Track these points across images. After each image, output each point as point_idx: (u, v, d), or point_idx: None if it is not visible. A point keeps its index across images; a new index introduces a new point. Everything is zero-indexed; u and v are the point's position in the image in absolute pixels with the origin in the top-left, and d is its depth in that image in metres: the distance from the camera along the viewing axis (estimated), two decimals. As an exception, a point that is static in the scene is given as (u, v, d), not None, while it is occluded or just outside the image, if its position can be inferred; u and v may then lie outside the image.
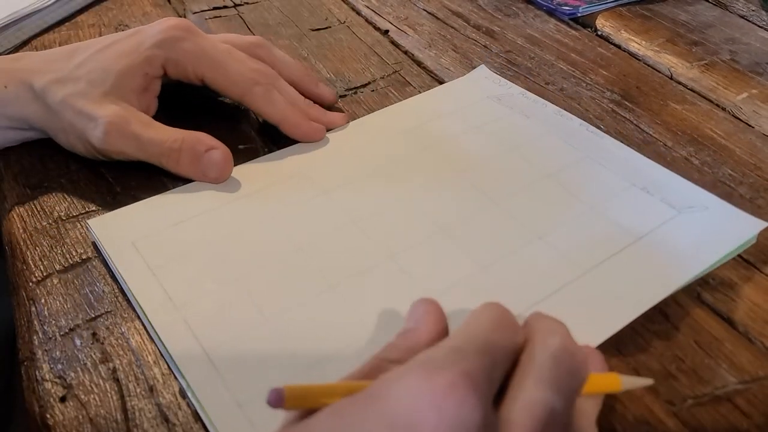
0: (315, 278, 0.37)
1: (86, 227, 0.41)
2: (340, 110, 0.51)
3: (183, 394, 0.32)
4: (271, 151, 0.47)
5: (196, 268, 0.38)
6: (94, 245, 0.40)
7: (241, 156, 0.46)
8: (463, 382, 0.23)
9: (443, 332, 0.29)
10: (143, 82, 0.45)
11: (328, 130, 0.48)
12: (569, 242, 0.39)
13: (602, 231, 0.39)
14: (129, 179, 0.44)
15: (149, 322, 0.35)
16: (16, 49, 0.59)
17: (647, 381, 0.31)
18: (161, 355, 0.34)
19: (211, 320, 0.35)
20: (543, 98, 0.52)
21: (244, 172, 0.44)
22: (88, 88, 0.43)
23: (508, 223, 0.40)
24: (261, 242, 0.39)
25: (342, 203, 0.42)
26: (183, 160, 0.43)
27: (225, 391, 0.31)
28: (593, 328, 0.34)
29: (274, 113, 0.46)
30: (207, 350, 0.33)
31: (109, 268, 0.38)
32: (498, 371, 0.25)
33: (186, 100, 0.51)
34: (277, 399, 0.24)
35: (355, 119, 0.49)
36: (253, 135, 0.49)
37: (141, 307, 0.36)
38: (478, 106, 0.50)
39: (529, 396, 0.24)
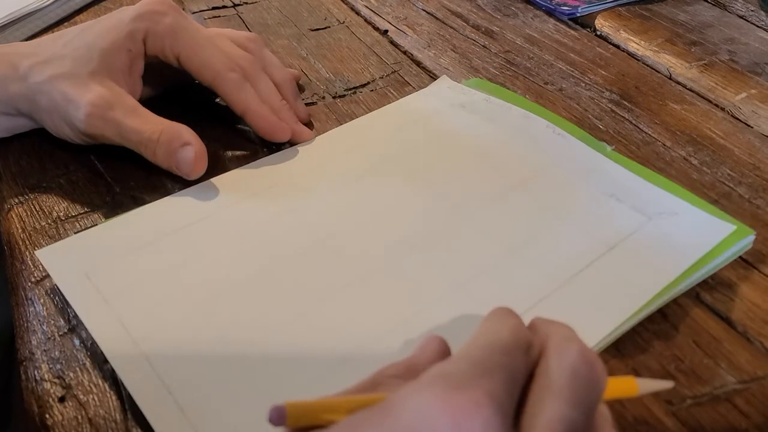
0: (281, 304, 0.35)
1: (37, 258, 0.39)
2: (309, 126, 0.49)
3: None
4: (272, 153, 0.47)
5: (155, 297, 0.36)
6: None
7: (240, 159, 0.46)
8: (488, 401, 0.21)
9: (446, 354, 0.28)
10: (127, 60, 0.44)
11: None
12: (543, 255, 0.38)
13: (575, 242, 0.39)
14: (128, 179, 0.44)
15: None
16: (15, 48, 0.59)
17: (665, 384, 0.29)
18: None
19: (173, 355, 0.33)
20: (542, 98, 0.52)
21: (217, 184, 0.43)
22: (73, 68, 0.43)
23: (479, 239, 0.39)
24: (224, 266, 0.37)
25: (308, 222, 0.40)
26: (159, 152, 0.42)
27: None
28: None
29: (240, 101, 0.45)
30: (171, 391, 0.31)
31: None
32: (518, 387, 0.24)
33: (186, 102, 0.51)
34: (279, 417, 0.22)
35: (341, 124, 0.49)
36: (252, 137, 0.49)
37: (99, 345, 0.34)
38: (443, 115, 0.49)
39: (550, 414, 0.23)
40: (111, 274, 0.37)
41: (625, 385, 0.28)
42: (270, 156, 0.46)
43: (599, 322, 0.34)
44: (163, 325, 0.34)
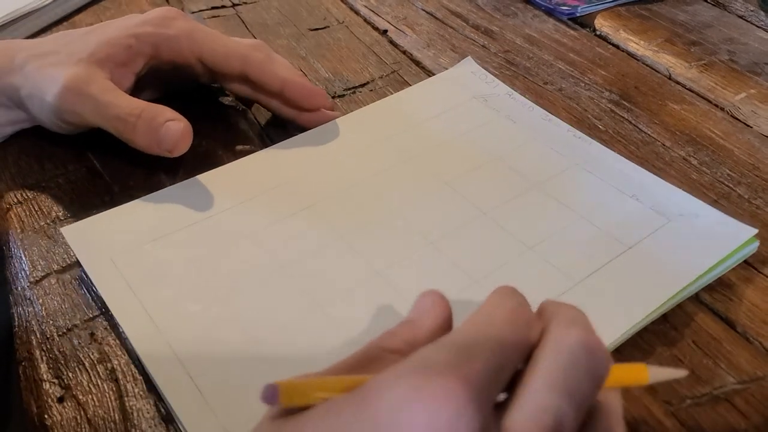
0: (301, 298, 0.36)
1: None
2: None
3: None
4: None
5: (179, 288, 0.36)
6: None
7: (239, 158, 0.46)
8: (462, 388, 0.21)
9: (446, 326, 0.28)
10: (125, 56, 0.44)
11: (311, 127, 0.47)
12: (561, 252, 0.38)
13: (593, 240, 0.39)
14: (127, 179, 0.44)
15: (132, 347, 0.34)
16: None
17: (679, 372, 0.27)
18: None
19: (195, 344, 0.34)
20: (542, 98, 0.52)
21: (226, 176, 0.43)
22: (64, 57, 0.43)
23: (498, 234, 0.39)
24: (244, 260, 0.38)
25: (326, 217, 0.40)
26: (140, 128, 0.41)
27: (213, 417, 0.30)
28: None
29: (275, 75, 0.45)
30: (193, 377, 0.32)
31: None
32: (507, 371, 0.23)
33: (184, 102, 0.51)
34: (272, 395, 0.23)
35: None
36: (251, 136, 0.49)
37: (124, 330, 0.35)
38: (464, 109, 0.49)
39: (538, 403, 0.22)
40: (135, 260, 0.38)
41: (634, 373, 0.26)
42: (281, 148, 0.46)
43: (614, 321, 0.34)
44: (186, 315, 0.35)
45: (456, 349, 0.22)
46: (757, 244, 0.38)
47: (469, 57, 0.53)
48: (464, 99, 0.50)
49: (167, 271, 0.37)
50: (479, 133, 0.47)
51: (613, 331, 0.34)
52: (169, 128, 0.41)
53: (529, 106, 0.49)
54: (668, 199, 0.41)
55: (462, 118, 0.48)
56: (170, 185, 0.43)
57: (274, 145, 0.46)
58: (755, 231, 0.38)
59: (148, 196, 0.42)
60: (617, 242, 0.38)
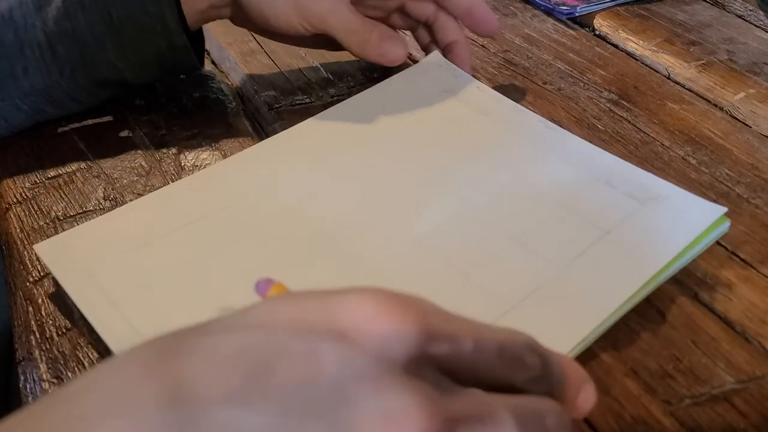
0: None
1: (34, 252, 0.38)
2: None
3: None
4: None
5: (163, 297, 0.35)
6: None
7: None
8: (416, 316, 0.21)
9: None
10: None
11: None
12: (541, 240, 0.38)
13: (572, 227, 0.39)
14: (126, 178, 0.44)
15: None
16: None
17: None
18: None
19: None
20: (541, 98, 0.52)
21: (211, 178, 0.43)
22: None
23: (477, 227, 0.39)
24: (230, 266, 0.37)
25: (309, 216, 0.40)
26: (372, 41, 0.48)
27: None
28: (572, 325, 0.34)
29: None
30: None
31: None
32: (472, 362, 0.22)
33: (180, 98, 0.51)
34: (264, 288, 0.24)
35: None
36: (250, 133, 0.49)
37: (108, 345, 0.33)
38: (433, 103, 0.49)
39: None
40: (115, 272, 0.36)
41: None
42: (262, 144, 0.45)
43: (596, 307, 0.35)
44: (174, 324, 0.34)
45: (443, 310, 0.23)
46: (728, 223, 0.39)
47: (436, 50, 0.53)
48: (432, 93, 0.49)
49: (150, 280, 0.36)
50: (451, 128, 0.47)
51: (597, 315, 0.34)
52: (394, 44, 0.49)
53: (499, 97, 0.49)
54: (639, 183, 0.41)
55: (432, 112, 0.48)
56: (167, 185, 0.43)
57: (265, 140, 0.46)
58: (725, 210, 0.39)
59: (126, 205, 0.41)
60: (595, 228, 0.39)
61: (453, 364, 0.22)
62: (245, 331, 0.21)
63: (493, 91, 0.50)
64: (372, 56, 0.49)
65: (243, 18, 0.49)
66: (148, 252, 0.38)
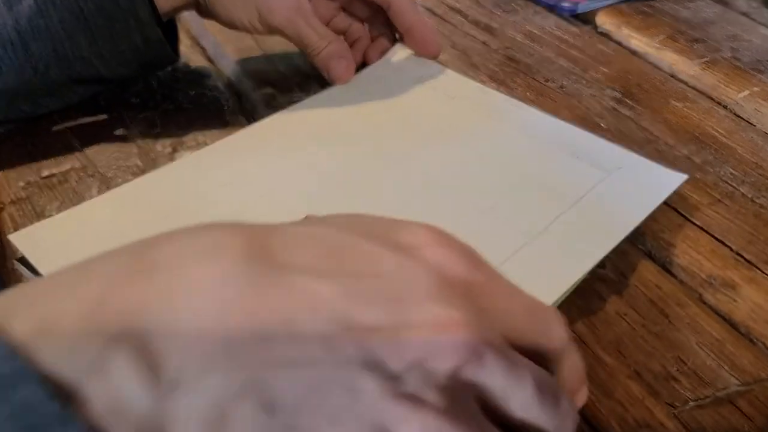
0: None
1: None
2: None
3: None
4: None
5: None
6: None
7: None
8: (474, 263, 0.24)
9: None
10: None
11: None
12: (511, 212, 0.40)
13: (541, 198, 0.40)
14: (120, 178, 0.44)
15: None
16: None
17: None
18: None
19: None
20: (543, 96, 0.52)
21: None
22: None
23: (450, 204, 0.40)
24: None
25: (276, 209, 0.39)
26: (323, 54, 0.49)
27: None
28: (548, 286, 0.35)
29: (411, 12, 0.51)
30: None
31: None
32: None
33: (176, 96, 0.50)
34: None
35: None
36: (244, 123, 0.48)
37: None
38: (401, 91, 0.50)
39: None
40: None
41: None
42: (230, 139, 0.45)
43: (572, 266, 0.36)
44: None
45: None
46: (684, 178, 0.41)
47: (399, 44, 0.53)
48: (400, 81, 0.50)
49: None
50: (420, 113, 0.48)
51: (573, 273, 0.36)
52: (340, 63, 0.49)
53: (464, 80, 0.50)
54: (603, 154, 0.43)
55: (401, 100, 0.49)
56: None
57: (248, 126, 0.45)
58: (686, 177, 0.41)
59: (102, 195, 0.41)
60: (564, 198, 0.40)
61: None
62: (323, 226, 0.24)
63: (456, 74, 0.51)
64: (319, 68, 0.50)
65: (208, 12, 0.49)
66: (125, 241, 0.37)
